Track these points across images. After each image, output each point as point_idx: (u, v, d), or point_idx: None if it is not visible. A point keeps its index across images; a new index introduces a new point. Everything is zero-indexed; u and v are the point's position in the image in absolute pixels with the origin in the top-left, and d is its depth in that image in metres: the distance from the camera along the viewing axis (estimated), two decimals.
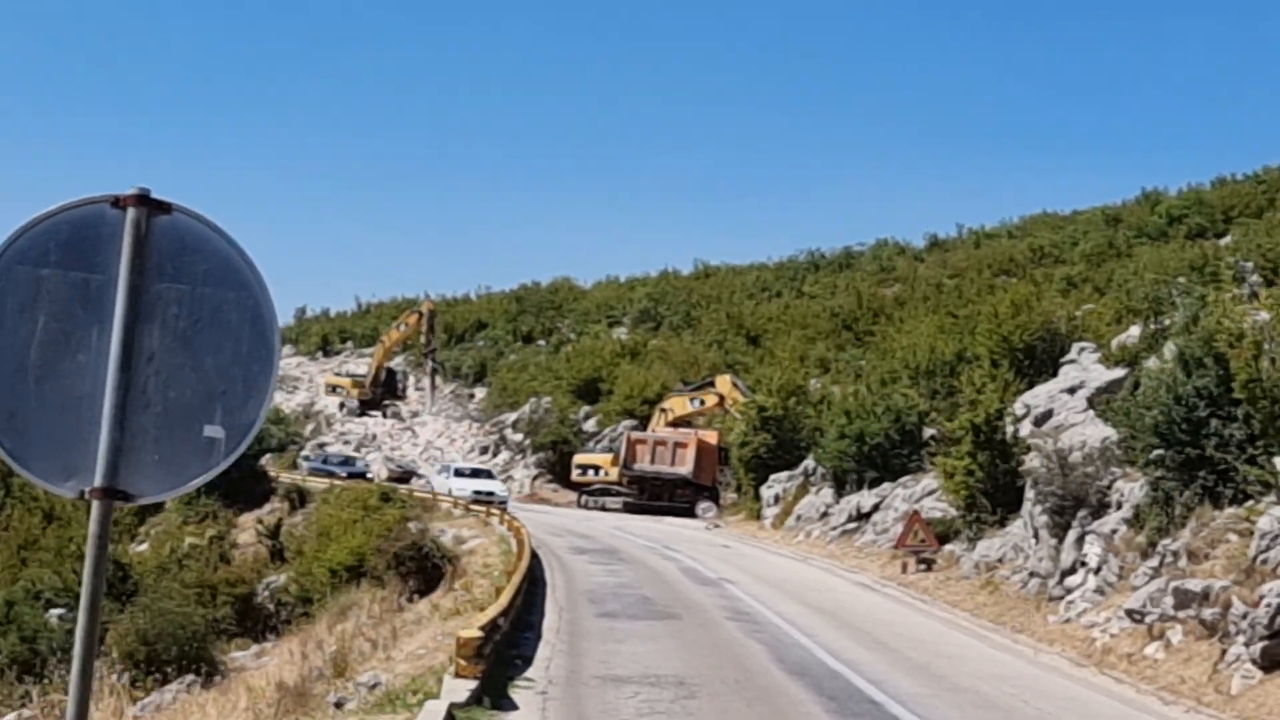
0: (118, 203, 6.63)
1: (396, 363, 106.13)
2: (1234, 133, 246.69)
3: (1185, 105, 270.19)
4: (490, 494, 62.79)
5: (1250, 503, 24.42)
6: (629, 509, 68.41)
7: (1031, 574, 30.97)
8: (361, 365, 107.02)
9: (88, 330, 6.57)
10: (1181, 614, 22.29)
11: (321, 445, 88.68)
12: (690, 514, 64.93)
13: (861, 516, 47.77)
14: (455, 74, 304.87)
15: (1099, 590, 26.66)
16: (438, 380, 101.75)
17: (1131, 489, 28.51)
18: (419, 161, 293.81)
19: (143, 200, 6.63)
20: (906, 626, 28.41)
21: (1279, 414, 23.40)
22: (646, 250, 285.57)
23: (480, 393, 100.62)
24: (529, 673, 19.19)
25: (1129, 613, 23.85)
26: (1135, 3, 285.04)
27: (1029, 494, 32.61)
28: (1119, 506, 28.74)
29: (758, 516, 57.85)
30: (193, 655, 37.20)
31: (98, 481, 6.52)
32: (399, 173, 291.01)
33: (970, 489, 37.54)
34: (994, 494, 37.13)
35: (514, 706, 16.23)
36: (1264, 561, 21.56)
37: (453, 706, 14.94)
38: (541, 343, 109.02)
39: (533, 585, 29.25)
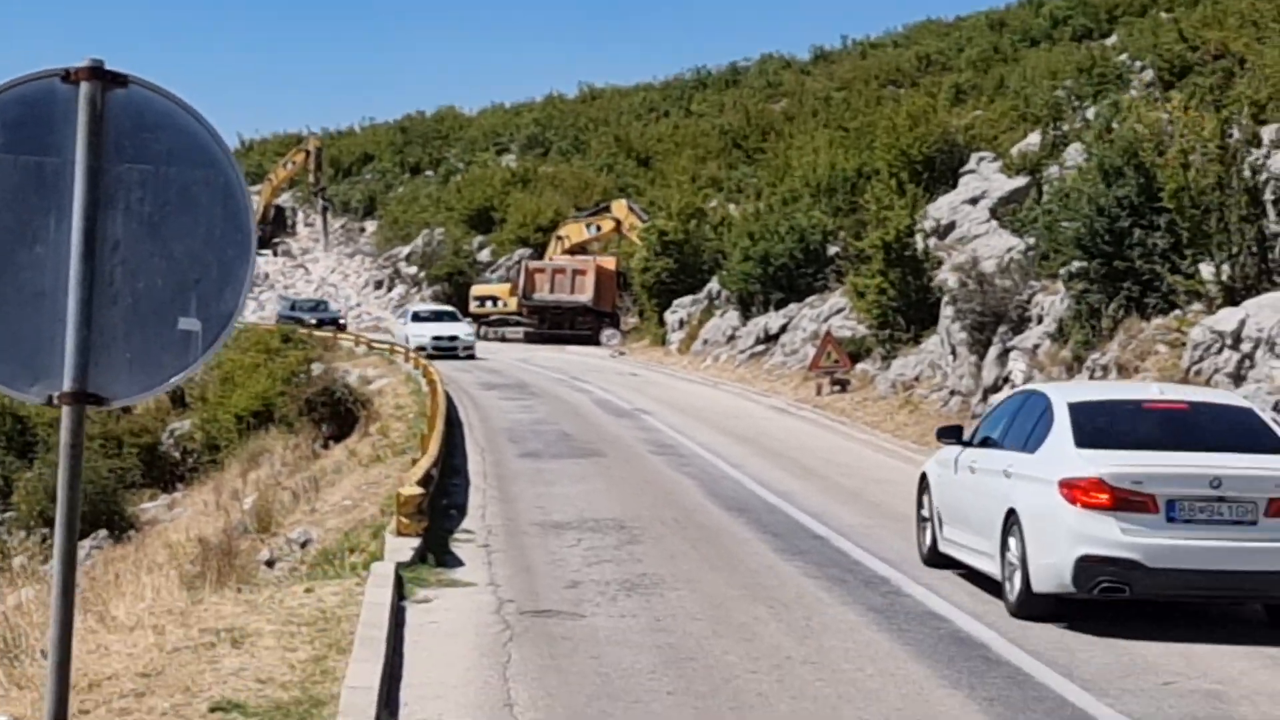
0: (68, 77, 5.97)
1: (284, 199, 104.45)
2: None
3: None
4: (454, 340, 56.39)
5: (1176, 312, 24.32)
6: (530, 339, 68.03)
7: (952, 392, 30.92)
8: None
9: (44, 219, 5.95)
10: None
11: (286, 289, 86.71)
12: (593, 342, 64.58)
13: (769, 338, 47.60)
14: None
15: None
16: (329, 217, 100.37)
17: (1052, 302, 28.37)
18: None
19: (96, 73, 5.98)
20: (830, 451, 28.26)
21: (1205, 222, 23.17)
22: (531, 75, 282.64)
23: (371, 226, 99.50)
24: (466, 524, 18.76)
25: None
26: None
27: (946, 311, 32.44)
28: (1040, 321, 28.63)
29: (663, 342, 57.67)
30: (103, 510, 36.59)
31: (66, 385, 5.95)
32: (275, 2, 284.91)
33: (883, 307, 37.36)
34: (907, 311, 36.99)
35: (459, 562, 15.80)
36: (1198, 372, 21.50)
37: (399, 566, 14.51)
38: (430, 173, 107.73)
39: (449, 426, 28.75)
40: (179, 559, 26.12)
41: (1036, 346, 27.73)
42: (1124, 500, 13.25)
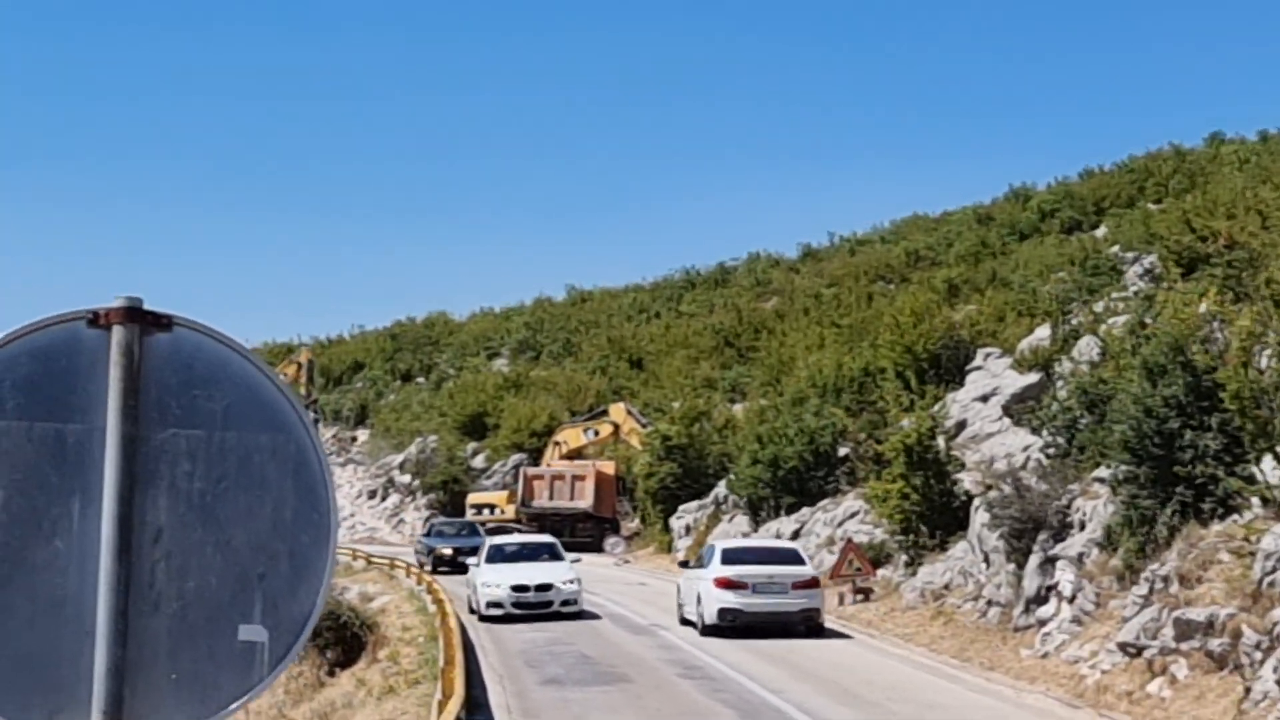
0: (97, 320, 4.66)
1: None
2: (1098, 125, 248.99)
3: (1048, 99, 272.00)
4: (548, 590, 36.38)
5: (1235, 517, 22.98)
6: None
7: (990, 602, 29.42)
8: None
9: (66, 504, 4.59)
10: (1184, 646, 20.73)
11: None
12: (595, 549, 62.97)
13: None
14: (310, 108, 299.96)
15: (1076, 620, 25.08)
16: (319, 429, 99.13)
17: (1094, 507, 27.01)
18: (282, 199, 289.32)
19: (133, 314, 4.67)
20: (869, 670, 26.65)
21: (1271, 422, 21.91)
22: (519, 279, 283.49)
23: (363, 435, 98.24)
24: None
25: (1122, 646, 22.26)
26: (976, 3, 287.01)
27: (979, 517, 31.05)
28: (1082, 527, 27.24)
29: (669, 549, 56.07)
30: None
31: (95, 719, 4.57)
32: (262, 213, 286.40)
33: (906, 513, 35.96)
34: (931, 516, 35.60)
35: None
36: (1271, 584, 20.06)
37: None
38: (421, 380, 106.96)
39: (463, 649, 27.18)
40: None
41: (1082, 555, 26.30)
42: (734, 584, 31.98)
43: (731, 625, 31.20)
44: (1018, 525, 28.37)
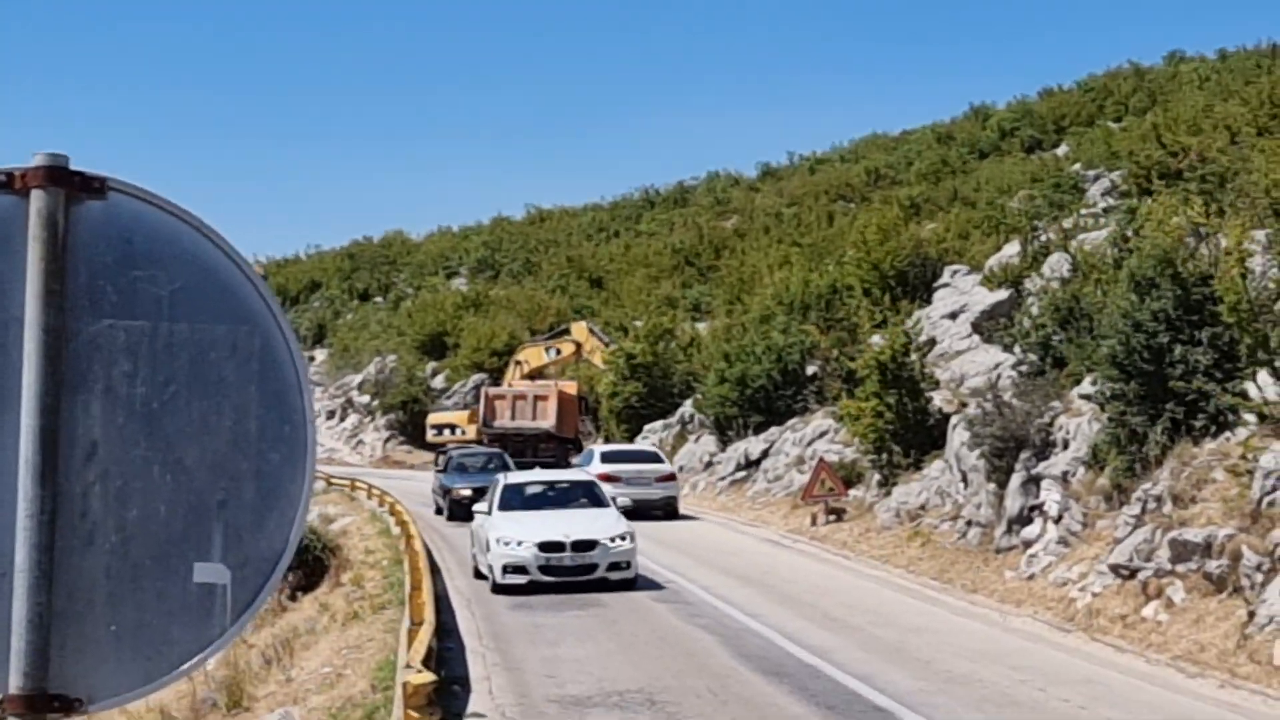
0: (11, 183, 3.71)
1: None
2: (1057, 43, 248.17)
3: (1006, 18, 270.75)
4: (590, 550, 26.36)
5: (1228, 435, 22.22)
6: None
7: (970, 523, 28.65)
8: None
9: None
10: (1180, 568, 19.97)
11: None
12: (559, 468, 62.16)
13: (750, 464, 45.38)
14: (276, 21, 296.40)
15: (1063, 541, 24.30)
16: None
17: (1079, 425, 26.22)
18: (241, 114, 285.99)
19: (56, 176, 3.71)
20: (849, 593, 25.84)
21: (1265, 335, 21.09)
22: (477, 198, 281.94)
23: (321, 355, 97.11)
24: (474, 705, 16.33)
25: (1114, 568, 21.49)
26: None
27: (957, 435, 30.24)
28: (1065, 445, 26.44)
29: None
30: None
31: (15, 683, 3.64)
32: (219, 128, 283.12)
33: (879, 431, 35.12)
34: (906, 435, 34.79)
35: None
36: (1271, 504, 19.31)
37: None
38: (379, 299, 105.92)
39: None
40: None
41: (1067, 474, 25.52)
42: (611, 478, 37.20)
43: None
44: (998, 444, 27.57)
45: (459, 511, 39.24)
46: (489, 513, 27.86)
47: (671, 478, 41.88)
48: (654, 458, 43.58)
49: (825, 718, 15.49)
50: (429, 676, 13.31)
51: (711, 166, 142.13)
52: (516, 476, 31.67)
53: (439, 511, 43.13)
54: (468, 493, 39.33)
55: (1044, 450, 26.92)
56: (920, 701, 16.12)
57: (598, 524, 27.15)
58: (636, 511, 37.15)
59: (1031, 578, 24.19)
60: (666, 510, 40.31)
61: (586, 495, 29.51)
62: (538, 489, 29.97)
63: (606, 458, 42.64)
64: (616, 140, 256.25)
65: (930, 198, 73.57)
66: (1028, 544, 25.26)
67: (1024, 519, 26.07)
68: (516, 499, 28.74)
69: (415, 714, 12.83)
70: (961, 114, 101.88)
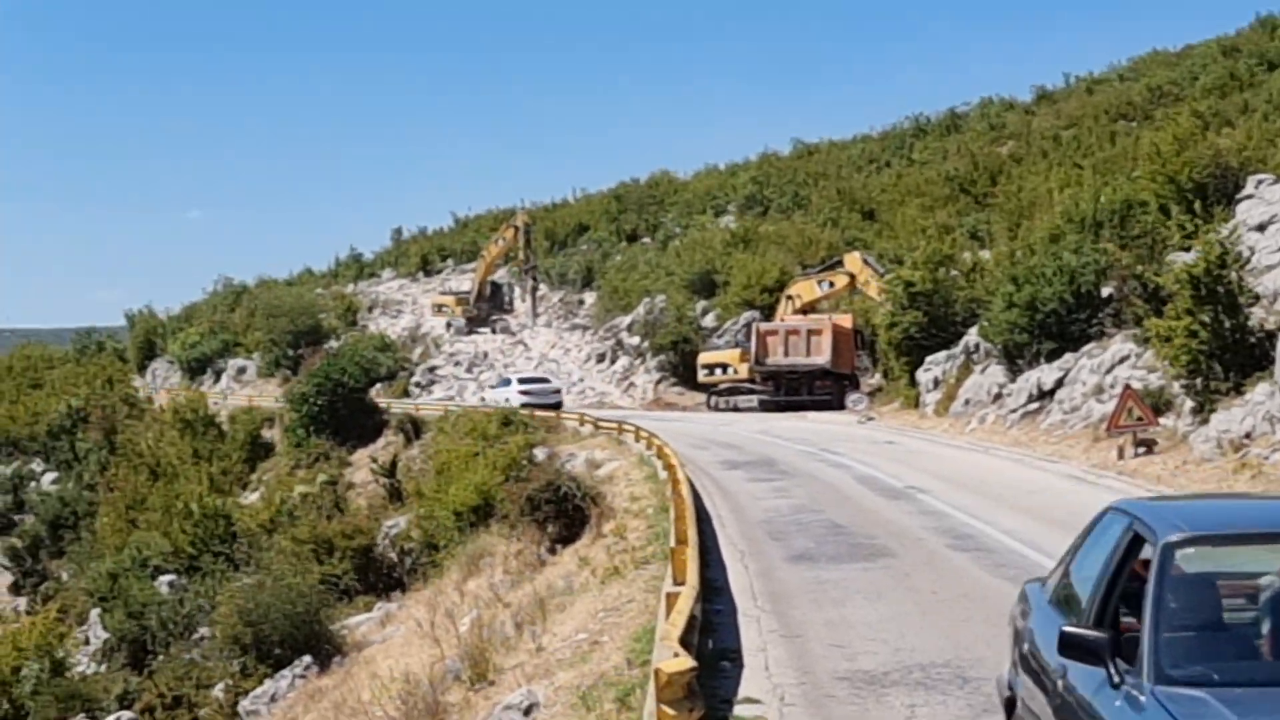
0: None
1: (500, 275, 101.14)
2: None
3: None
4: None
5: None
6: (765, 407, 63.02)
7: None
8: (465, 282, 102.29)
9: None
10: None
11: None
12: (835, 407, 59.44)
13: (1044, 394, 42.00)
14: None
15: None
16: (539, 294, 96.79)
17: None
18: (503, 69, 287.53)
19: None
20: None
21: None
22: (741, 137, 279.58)
23: (590, 298, 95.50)
24: (746, 686, 13.68)
25: None
26: None
27: None
28: None
29: (916, 404, 52.11)
30: (307, 633, 32.34)
31: None
32: (485, 83, 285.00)
33: (1193, 353, 31.63)
34: (1224, 356, 31.27)
35: None
36: None
37: None
38: (647, 240, 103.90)
39: (696, 521, 23.80)
40: (379, 697, 21.66)
41: None
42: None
43: None
44: None
45: None
46: None
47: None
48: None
49: None
50: (686, 662, 10.61)
51: (983, 91, 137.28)
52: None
53: None
54: None
55: None
56: None
57: None
58: None
59: None
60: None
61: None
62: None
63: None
64: (884, 70, 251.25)
65: (1219, 112, 68.99)
66: None
67: None
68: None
69: (670, 710, 10.23)
70: (1248, 25, 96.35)
